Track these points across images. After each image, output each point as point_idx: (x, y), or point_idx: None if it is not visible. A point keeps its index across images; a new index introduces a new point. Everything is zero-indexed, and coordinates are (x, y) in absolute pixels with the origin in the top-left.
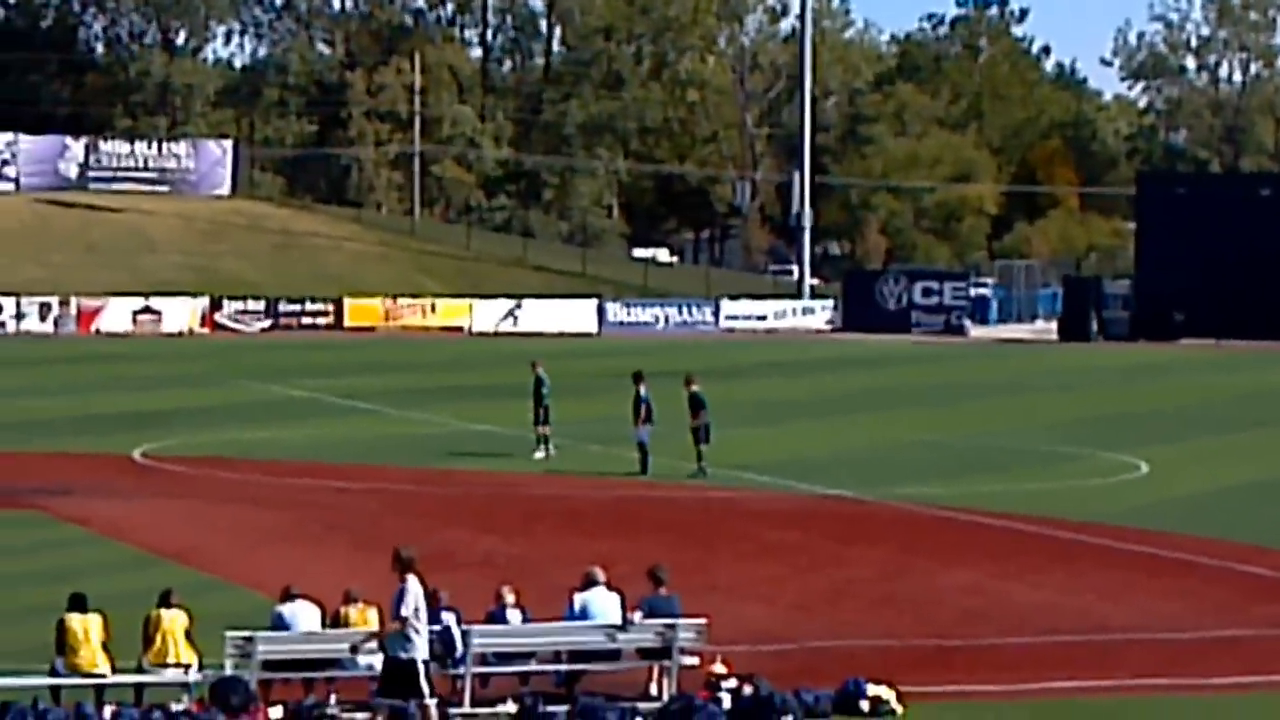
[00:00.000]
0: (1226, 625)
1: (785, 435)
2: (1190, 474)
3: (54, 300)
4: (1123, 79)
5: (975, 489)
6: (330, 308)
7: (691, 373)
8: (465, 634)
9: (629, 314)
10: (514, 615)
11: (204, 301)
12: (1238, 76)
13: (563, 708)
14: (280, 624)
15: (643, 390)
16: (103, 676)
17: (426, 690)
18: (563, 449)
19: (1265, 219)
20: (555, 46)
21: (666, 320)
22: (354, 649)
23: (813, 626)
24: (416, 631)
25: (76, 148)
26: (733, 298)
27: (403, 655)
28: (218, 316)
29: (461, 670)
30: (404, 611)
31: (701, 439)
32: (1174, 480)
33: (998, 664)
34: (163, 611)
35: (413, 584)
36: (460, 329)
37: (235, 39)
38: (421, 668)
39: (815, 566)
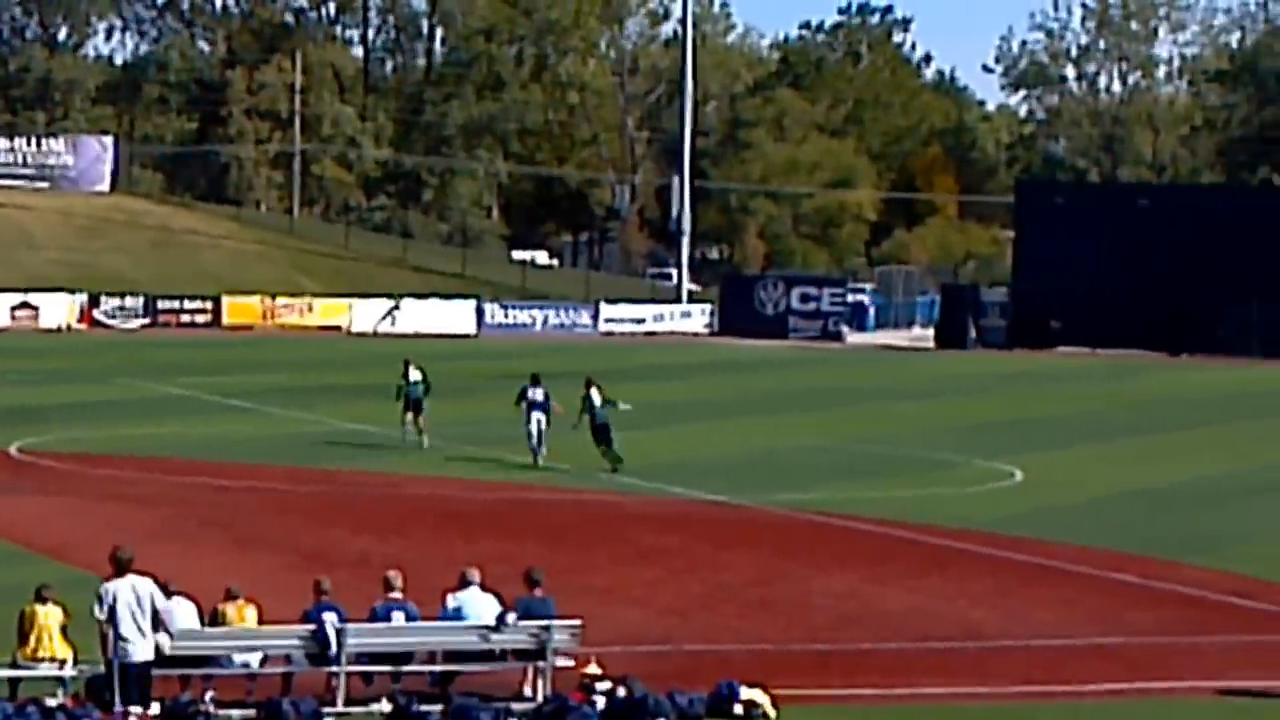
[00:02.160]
0: (1099, 632)
1: (663, 439)
2: (1065, 482)
3: None
4: (1003, 88)
5: (852, 495)
6: (209, 306)
7: (590, 376)
8: (340, 633)
9: (507, 316)
10: (397, 615)
11: (82, 298)
12: (1117, 86)
13: (437, 708)
14: None
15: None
16: None
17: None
18: (440, 450)
19: (1142, 229)
20: (436, 47)
21: (545, 322)
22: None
23: (688, 630)
24: (122, 637)
25: None
26: (611, 301)
27: (120, 659)
28: (96, 313)
29: (336, 669)
30: (98, 614)
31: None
32: (1049, 488)
33: (871, 669)
34: (38, 607)
35: (117, 585)
36: (339, 328)
37: (116, 35)
38: (138, 672)
39: (691, 570)
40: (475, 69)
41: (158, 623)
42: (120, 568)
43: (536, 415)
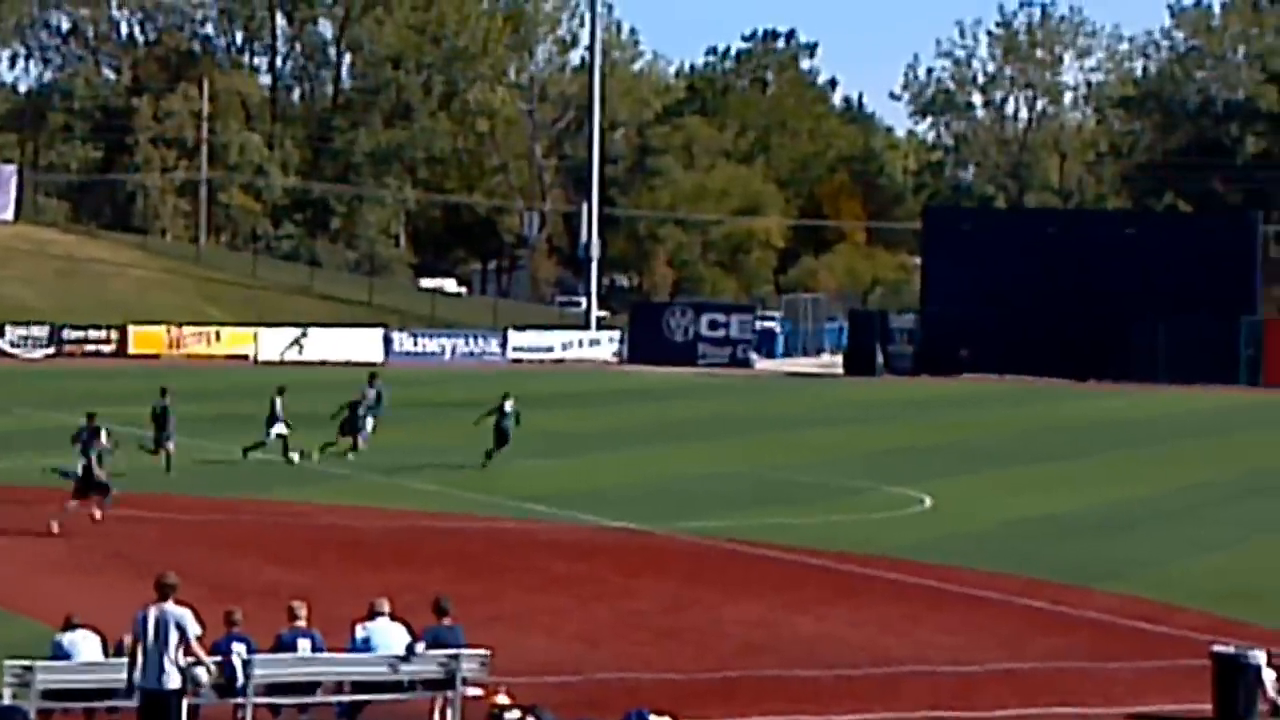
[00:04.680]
0: (1007, 658)
1: (573, 467)
2: (974, 508)
3: None
4: (910, 114)
5: (760, 522)
6: (114, 335)
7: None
8: (246, 664)
9: (415, 344)
10: (304, 644)
11: None
12: (1024, 113)
13: None
14: (60, 653)
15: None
16: None
17: None
18: (349, 479)
19: (1050, 255)
20: (344, 75)
21: (453, 350)
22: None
23: (597, 658)
24: (147, 663)
25: None
26: (519, 328)
27: (141, 685)
28: (0, 343)
29: (243, 700)
30: (127, 638)
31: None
32: (957, 514)
33: (780, 696)
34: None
35: (149, 611)
36: (245, 357)
37: (20, 63)
38: (161, 699)
39: (601, 598)
40: (383, 97)
41: (190, 653)
42: (161, 593)
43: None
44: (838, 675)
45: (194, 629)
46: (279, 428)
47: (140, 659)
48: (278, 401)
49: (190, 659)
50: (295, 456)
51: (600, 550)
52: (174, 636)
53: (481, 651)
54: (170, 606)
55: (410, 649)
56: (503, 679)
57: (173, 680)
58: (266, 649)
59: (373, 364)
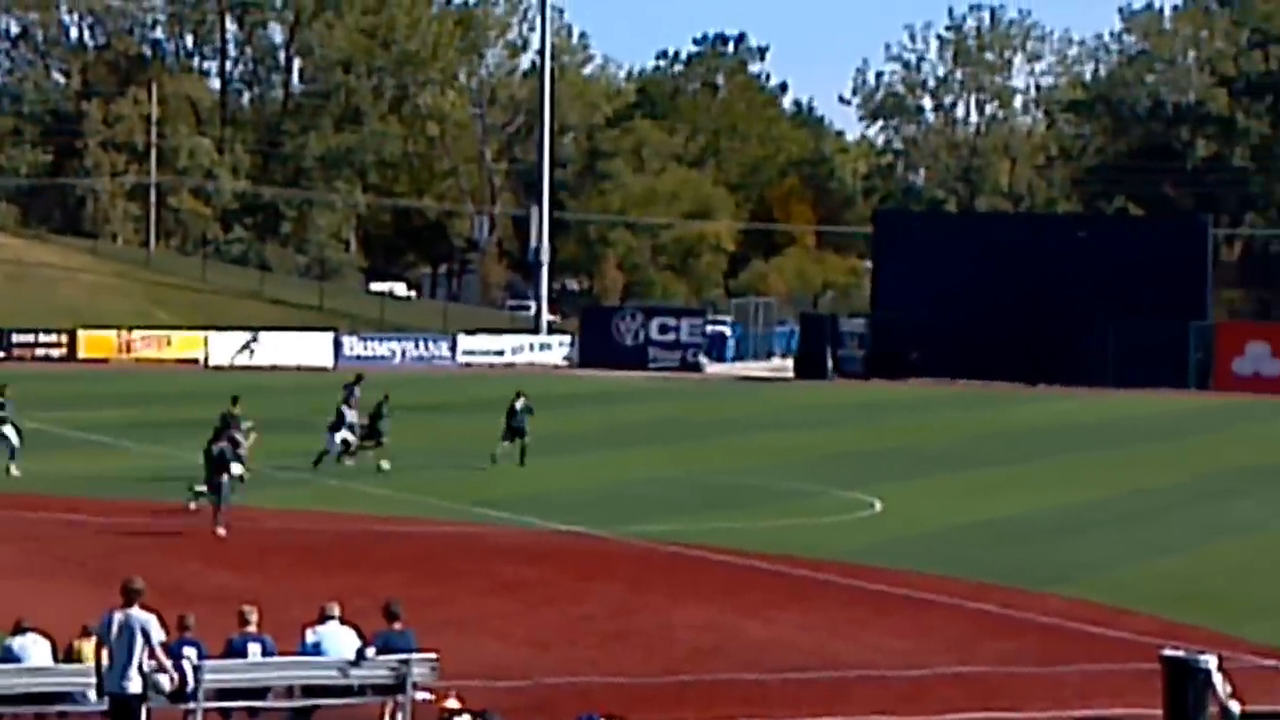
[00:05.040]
0: (957, 661)
1: (523, 471)
2: (924, 512)
3: None
4: (860, 118)
5: (711, 525)
6: (64, 339)
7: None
8: (197, 670)
9: (366, 348)
10: (254, 649)
11: None
12: (974, 117)
13: None
14: (10, 657)
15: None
16: None
17: None
18: (300, 483)
19: (1000, 259)
20: (295, 79)
21: (403, 354)
22: None
23: (547, 662)
24: (112, 666)
25: None
26: (470, 332)
27: (108, 689)
28: None
29: (194, 705)
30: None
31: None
32: (907, 518)
33: (730, 700)
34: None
35: (115, 615)
36: (196, 361)
37: None
38: (125, 703)
39: (551, 602)
40: (333, 100)
41: (154, 657)
42: (126, 598)
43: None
44: (787, 679)
45: (157, 634)
46: (344, 433)
47: (106, 662)
48: (345, 409)
49: (153, 664)
50: (350, 462)
51: (550, 554)
52: (139, 641)
53: (431, 656)
54: (135, 611)
55: (361, 653)
56: (453, 683)
57: (136, 685)
58: (217, 654)
59: (324, 368)
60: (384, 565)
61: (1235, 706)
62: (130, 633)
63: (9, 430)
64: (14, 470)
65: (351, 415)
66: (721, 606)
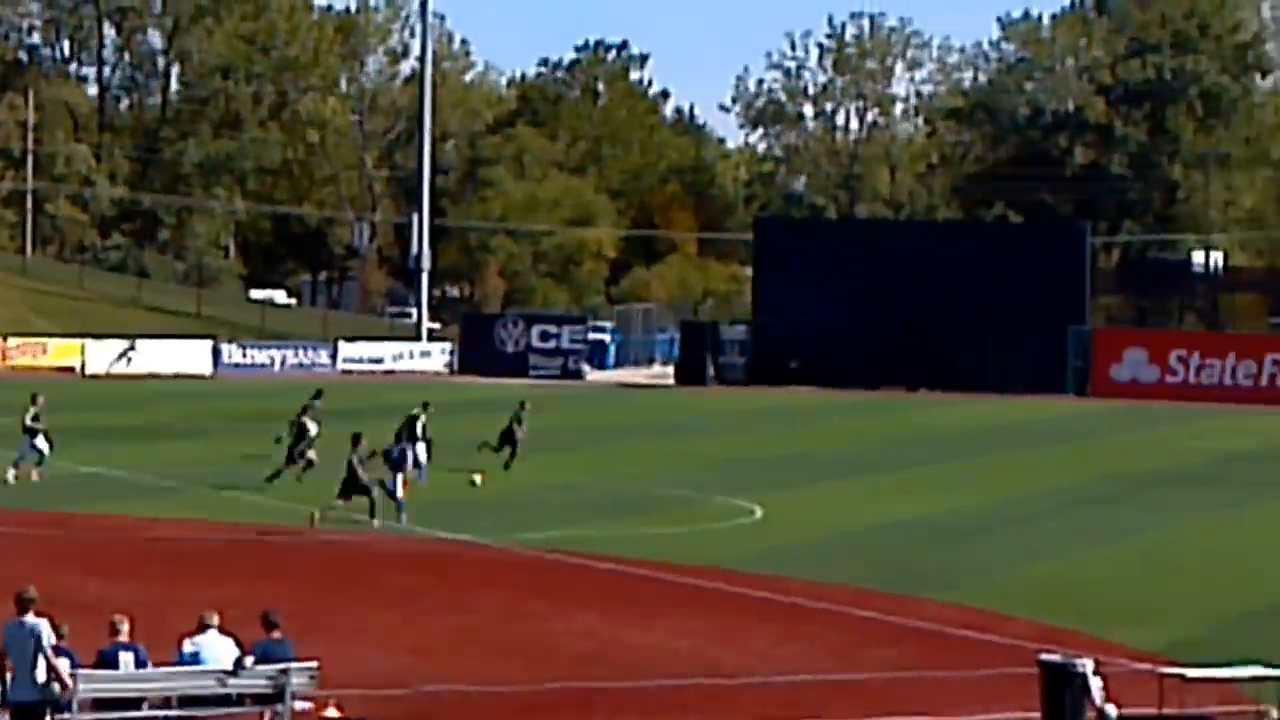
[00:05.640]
0: (838, 668)
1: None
2: (805, 518)
3: None
4: (741, 126)
5: (594, 533)
6: None
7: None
8: (72, 679)
9: (245, 355)
10: (126, 657)
11: None
12: (854, 124)
13: None
14: None
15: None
16: None
17: None
18: (177, 492)
19: (880, 266)
20: (173, 85)
21: (283, 362)
22: None
23: (429, 671)
24: (8, 676)
25: None
26: (350, 340)
27: (10, 698)
28: None
29: (69, 716)
30: None
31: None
32: (789, 525)
33: (612, 707)
34: None
35: (10, 624)
36: (73, 369)
37: None
38: (23, 712)
39: (433, 611)
40: (212, 107)
41: (49, 666)
42: (20, 608)
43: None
44: (669, 686)
45: (49, 640)
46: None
47: (9, 674)
48: (419, 423)
49: (47, 672)
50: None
51: (433, 563)
52: (32, 649)
53: (311, 665)
54: (30, 619)
55: (239, 663)
56: (333, 692)
57: (36, 693)
58: (89, 665)
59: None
60: (263, 574)
61: (1111, 710)
62: (28, 641)
63: (40, 441)
64: (36, 476)
65: (314, 429)
66: (604, 614)
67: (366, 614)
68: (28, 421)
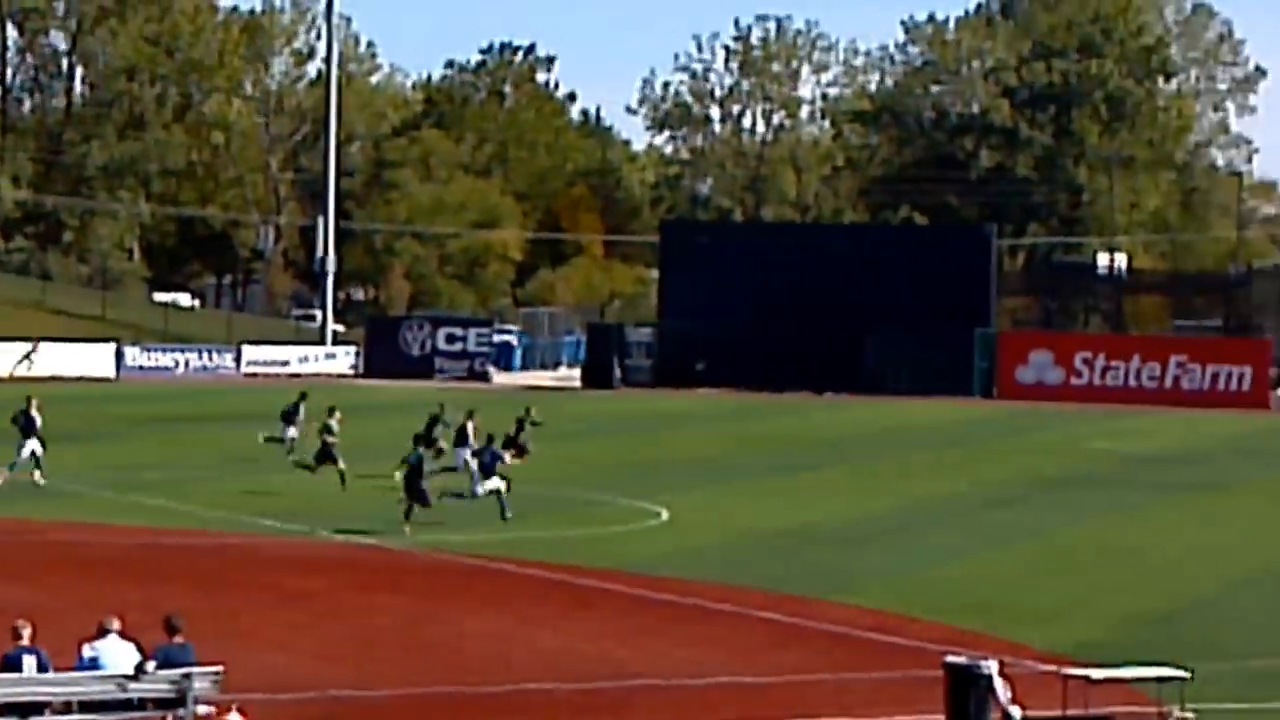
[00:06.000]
0: (742, 671)
1: (309, 482)
2: (710, 521)
3: None
4: (648, 128)
5: (500, 536)
6: None
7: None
8: None
9: (149, 358)
10: (29, 661)
11: None
12: (761, 127)
13: None
14: None
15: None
16: None
17: None
18: (79, 495)
19: (787, 268)
20: (77, 87)
21: (187, 365)
22: None
23: (333, 675)
24: None
25: None
26: (254, 343)
27: None
28: None
29: None
30: None
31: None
32: (694, 527)
33: (518, 710)
34: None
35: None
36: None
37: None
38: None
39: (338, 614)
40: (117, 109)
41: None
42: None
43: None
44: (574, 689)
45: None
46: (466, 453)
47: None
48: (467, 426)
49: None
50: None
51: (338, 566)
52: None
53: (213, 670)
54: None
55: (140, 668)
56: (236, 697)
57: None
58: None
59: (106, 379)
60: (165, 577)
61: (1016, 712)
62: None
63: (34, 444)
64: (39, 479)
65: (293, 432)
66: (510, 617)
67: (270, 618)
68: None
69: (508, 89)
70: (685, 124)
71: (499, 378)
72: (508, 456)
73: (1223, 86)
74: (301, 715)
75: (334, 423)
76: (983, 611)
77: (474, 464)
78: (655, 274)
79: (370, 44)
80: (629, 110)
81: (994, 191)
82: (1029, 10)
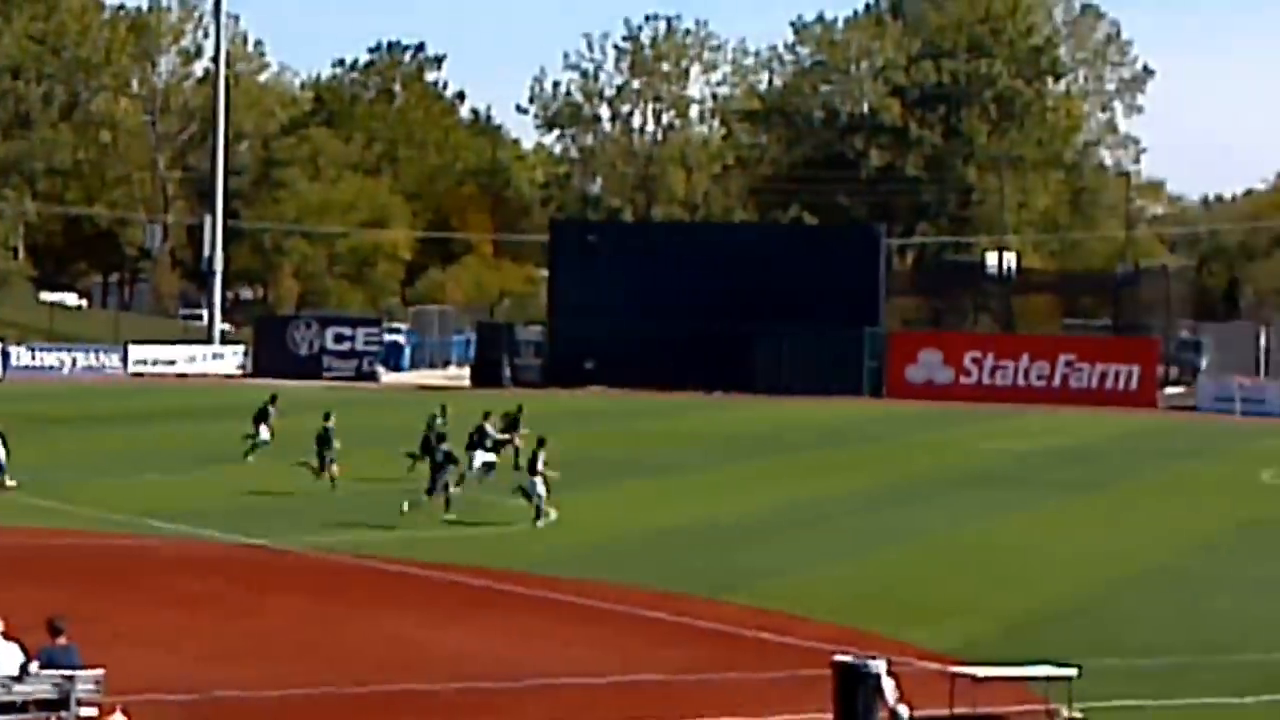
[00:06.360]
0: (632, 670)
1: (195, 482)
2: (600, 520)
3: None
4: (538, 127)
5: (388, 536)
6: None
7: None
8: None
9: (34, 358)
10: None
11: None
12: (651, 126)
13: None
14: None
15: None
16: None
17: None
18: None
19: (677, 267)
20: None
21: (73, 364)
22: None
23: (222, 676)
24: None
25: None
26: (141, 342)
27: None
28: None
29: None
30: None
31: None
32: (584, 527)
33: (410, 710)
34: None
35: None
36: None
37: None
38: None
39: (227, 615)
40: (2, 107)
41: None
42: None
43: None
44: (467, 688)
45: None
46: (488, 456)
47: None
48: (485, 427)
49: None
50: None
51: (226, 567)
52: None
53: (97, 671)
54: None
55: (24, 669)
56: (120, 698)
57: None
58: None
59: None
60: (49, 579)
61: (904, 710)
62: None
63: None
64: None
65: (265, 433)
66: (401, 617)
67: (155, 619)
68: None
69: (397, 88)
70: (575, 123)
71: (387, 377)
72: (541, 463)
73: (1111, 86)
74: (188, 716)
75: (331, 426)
76: (871, 610)
77: (478, 460)
78: (545, 273)
79: (259, 42)
80: (519, 109)
81: (883, 191)
82: (918, 10)
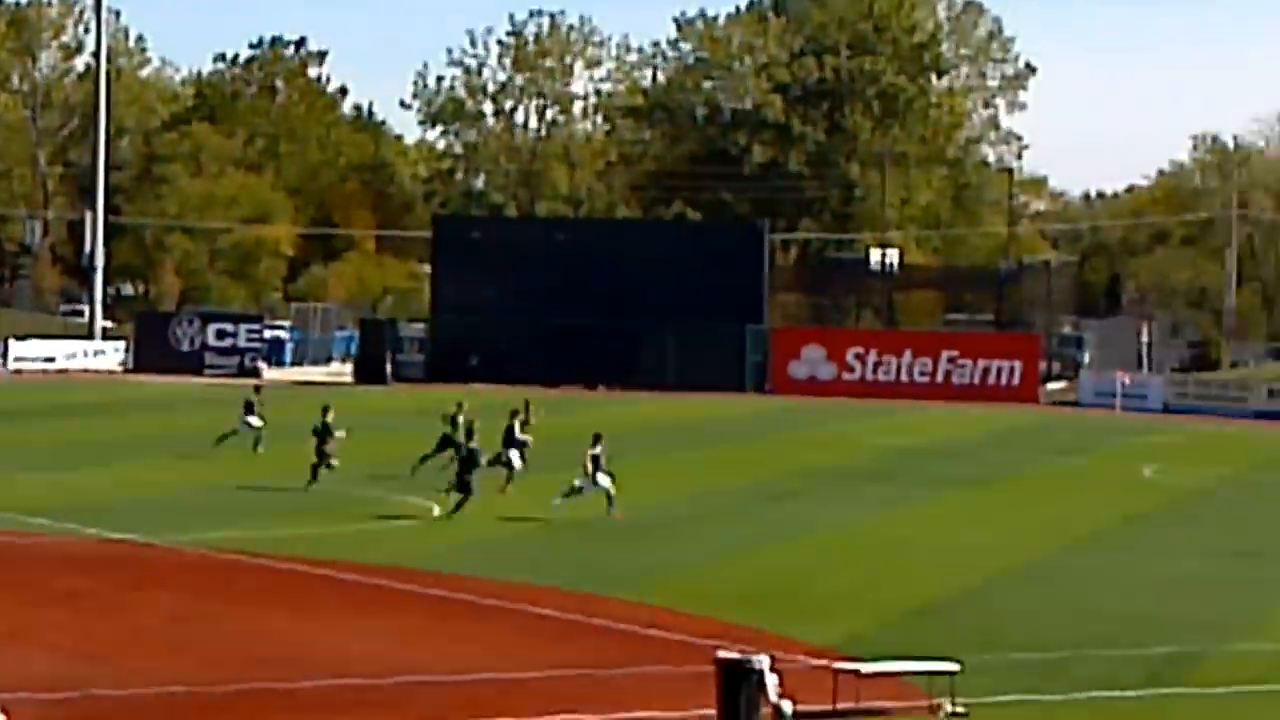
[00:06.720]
0: (516, 667)
1: (75, 479)
2: (483, 516)
3: None
4: (421, 123)
5: (270, 533)
6: None
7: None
8: None
9: None
10: None
11: None
12: (534, 122)
13: None
14: None
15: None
16: None
17: None
18: None
19: (560, 263)
20: None
21: None
22: None
23: (97, 674)
24: None
25: None
26: (21, 338)
27: None
28: None
29: None
30: None
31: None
32: (467, 522)
33: (288, 707)
34: None
35: None
36: None
37: None
38: None
39: (104, 613)
40: None
41: None
42: None
43: None
44: (347, 685)
45: None
46: (514, 455)
47: None
48: (515, 425)
49: None
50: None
51: (104, 564)
52: None
53: None
54: None
55: None
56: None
57: None
58: None
59: None
60: None
61: (787, 706)
62: None
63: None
64: None
65: (255, 420)
66: (281, 615)
67: (32, 616)
68: None
69: (279, 83)
70: (458, 119)
71: (270, 373)
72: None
73: (993, 83)
74: (65, 715)
75: (330, 420)
76: (756, 606)
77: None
78: (428, 269)
79: (140, 38)
80: (402, 105)
81: (766, 187)
82: (801, 7)
